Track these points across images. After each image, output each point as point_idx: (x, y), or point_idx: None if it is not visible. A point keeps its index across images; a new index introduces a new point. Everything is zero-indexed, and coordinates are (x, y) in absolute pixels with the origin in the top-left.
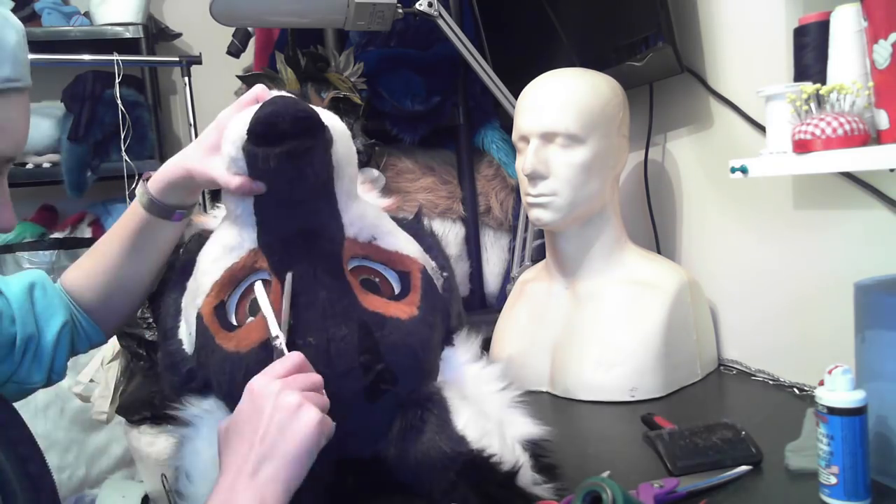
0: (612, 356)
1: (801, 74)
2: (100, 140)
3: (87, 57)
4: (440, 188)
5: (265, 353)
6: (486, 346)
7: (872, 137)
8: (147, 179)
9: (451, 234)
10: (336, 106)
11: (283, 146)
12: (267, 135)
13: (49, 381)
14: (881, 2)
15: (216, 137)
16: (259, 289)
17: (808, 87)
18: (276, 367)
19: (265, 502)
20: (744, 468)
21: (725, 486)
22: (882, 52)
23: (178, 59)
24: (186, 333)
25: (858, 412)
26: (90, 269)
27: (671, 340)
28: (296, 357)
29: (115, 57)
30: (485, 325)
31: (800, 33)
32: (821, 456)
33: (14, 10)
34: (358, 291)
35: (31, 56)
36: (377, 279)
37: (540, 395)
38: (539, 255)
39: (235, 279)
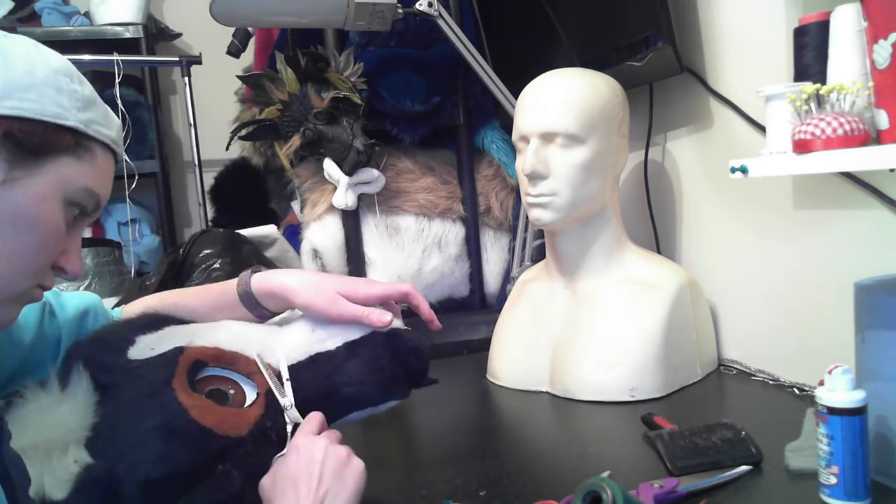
0: (612, 356)
1: (801, 74)
2: None
3: (87, 57)
4: (440, 188)
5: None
6: (486, 346)
7: (872, 137)
8: (256, 272)
9: (451, 234)
10: (336, 106)
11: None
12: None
13: None
14: (881, 2)
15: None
16: (260, 361)
17: (808, 87)
18: (309, 426)
19: None
20: (744, 468)
21: (725, 486)
22: (882, 52)
23: (177, 59)
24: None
25: (858, 412)
26: (157, 310)
27: (671, 340)
28: (320, 416)
29: (115, 57)
30: (485, 325)
31: (800, 33)
32: (821, 456)
33: (14, 10)
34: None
35: None
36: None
37: (540, 395)
38: (539, 255)
39: (224, 360)
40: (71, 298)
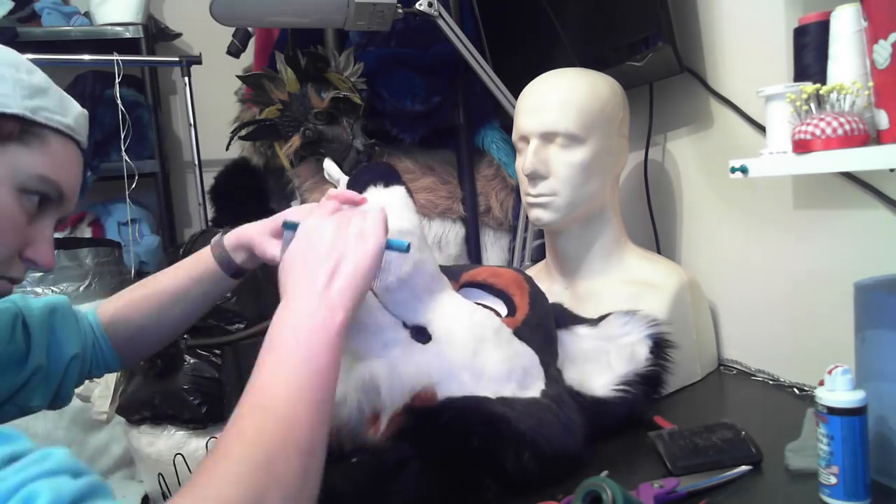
0: None
1: (801, 74)
2: (100, 140)
3: (87, 57)
4: (440, 188)
5: None
6: None
7: (872, 137)
8: (224, 234)
9: (451, 234)
10: (336, 106)
11: None
12: None
13: (52, 406)
14: (881, 2)
15: (276, 225)
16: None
17: (808, 87)
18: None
19: (335, 312)
20: (744, 468)
21: (725, 486)
22: (882, 52)
23: (177, 59)
24: None
25: (858, 412)
26: (138, 300)
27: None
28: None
29: (115, 57)
30: None
31: (800, 33)
32: (821, 456)
33: (14, 10)
34: None
35: (31, 56)
36: None
37: None
38: (539, 255)
39: None
40: (38, 300)
